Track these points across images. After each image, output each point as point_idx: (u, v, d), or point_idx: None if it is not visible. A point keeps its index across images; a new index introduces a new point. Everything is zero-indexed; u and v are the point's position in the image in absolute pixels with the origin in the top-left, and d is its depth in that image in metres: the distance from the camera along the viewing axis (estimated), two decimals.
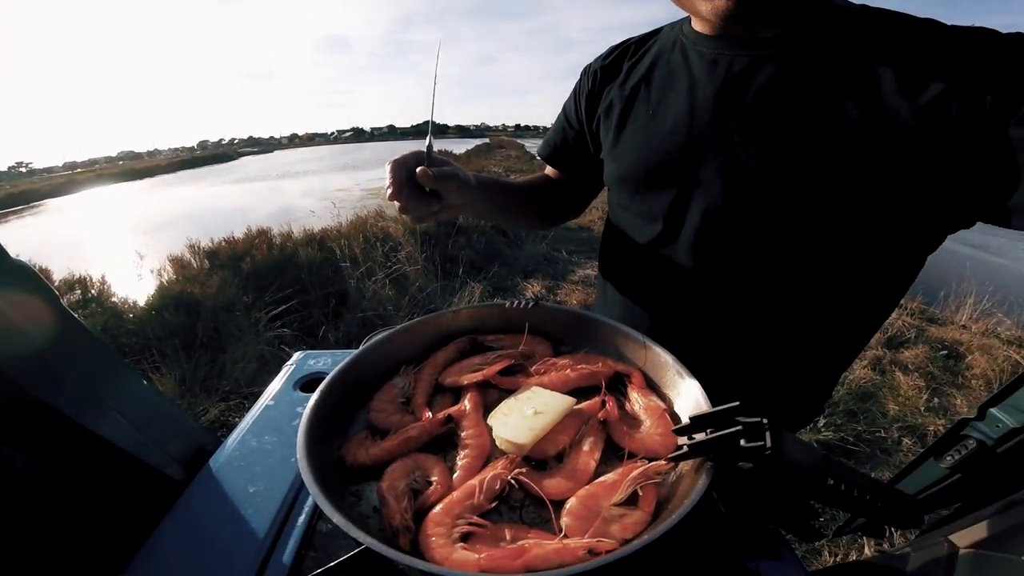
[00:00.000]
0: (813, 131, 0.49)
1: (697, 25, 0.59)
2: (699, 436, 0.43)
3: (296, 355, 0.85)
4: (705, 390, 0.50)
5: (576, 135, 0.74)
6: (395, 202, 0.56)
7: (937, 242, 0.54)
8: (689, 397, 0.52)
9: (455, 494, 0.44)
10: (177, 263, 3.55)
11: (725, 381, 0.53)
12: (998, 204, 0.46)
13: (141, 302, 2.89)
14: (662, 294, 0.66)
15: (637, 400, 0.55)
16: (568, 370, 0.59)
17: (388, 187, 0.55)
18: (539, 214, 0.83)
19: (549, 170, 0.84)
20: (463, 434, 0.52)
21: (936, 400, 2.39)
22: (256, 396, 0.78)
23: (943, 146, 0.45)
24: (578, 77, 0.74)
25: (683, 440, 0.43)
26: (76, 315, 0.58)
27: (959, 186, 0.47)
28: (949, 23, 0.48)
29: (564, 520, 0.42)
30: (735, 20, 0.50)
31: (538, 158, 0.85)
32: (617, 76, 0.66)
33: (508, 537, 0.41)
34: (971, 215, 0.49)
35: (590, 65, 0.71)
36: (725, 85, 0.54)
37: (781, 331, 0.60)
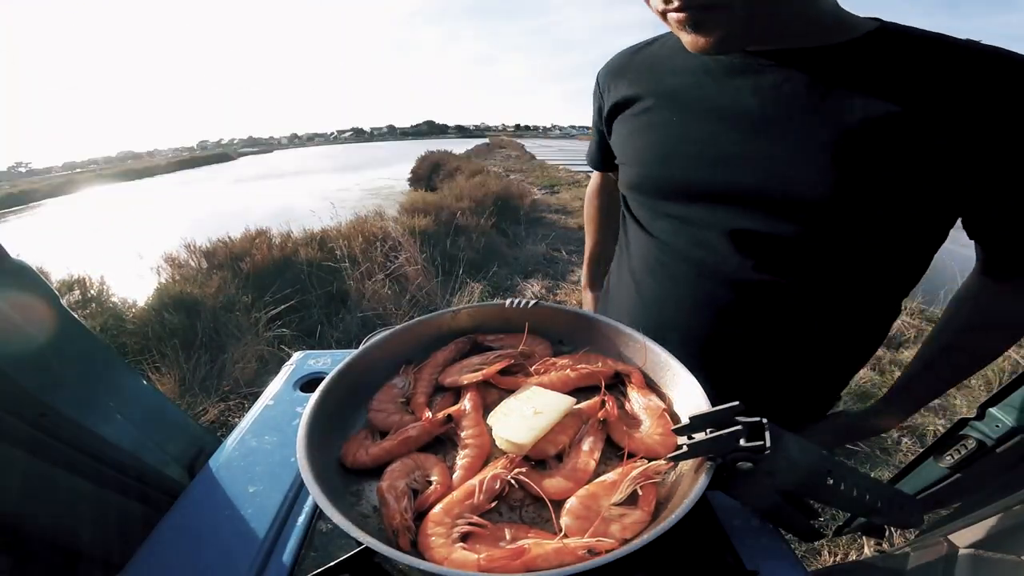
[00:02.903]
0: (846, 138, 0.51)
1: None
2: (699, 436, 0.43)
3: (296, 355, 0.85)
4: (721, 388, 0.50)
5: (606, 143, 0.76)
6: None
7: (932, 251, 0.57)
8: (689, 397, 0.52)
9: (455, 494, 0.44)
10: (176, 263, 3.55)
11: (740, 378, 0.55)
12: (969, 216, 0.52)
13: (140, 302, 2.89)
14: (682, 295, 0.64)
15: (637, 400, 0.56)
16: (568, 370, 0.59)
17: None
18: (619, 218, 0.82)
19: (598, 175, 0.92)
20: (463, 434, 0.52)
21: (936, 400, 2.40)
22: (256, 396, 0.78)
23: (929, 160, 0.49)
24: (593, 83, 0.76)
25: (683, 440, 0.43)
26: (76, 315, 0.58)
27: (941, 194, 0.50)
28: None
29: (564, 520, 0.42)
30: (721, 52, 0.52)
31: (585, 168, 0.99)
32: (633, 84, 0.66)
33: (508, 537, 0.41)
34: (952, 218, 0.53)
35: (600, 72, 0.73)
36: (755, 94, 0.54)
37: (796, 328, 0.60)
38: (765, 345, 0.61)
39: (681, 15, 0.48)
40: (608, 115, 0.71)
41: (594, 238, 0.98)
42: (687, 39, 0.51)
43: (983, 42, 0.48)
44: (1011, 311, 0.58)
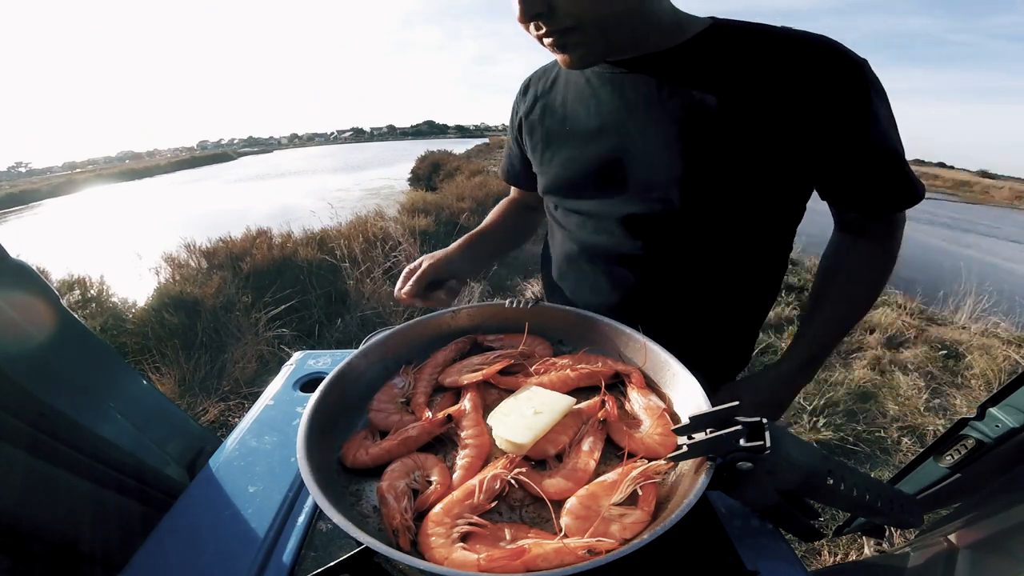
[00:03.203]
0: (690, 126, 0.60)
1: None
2: (698, 436, 0.43)
3: (296, 355, 0.85)
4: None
5: (523, 156, 0.83)
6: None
7: (798, 210, 0.66)
8: (688, 397, 0.52)
9: (455, 494, 0.44)
10: (175, 263, 3.56)
11: (663, 334, 0.62)
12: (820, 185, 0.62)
13: (140, 302, 2.89)
14: (593, 277, 0.74)
15: (637, 400, 0.56)
16: (568, 370, 0.59)
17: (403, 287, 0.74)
18: (523, 234, 0.97)
19: (514, 191, 0.94)
20: (463, 434, 0.52)
21: (936, 400, 2.40)
22: (256, 396, 0.78)
23: (768, 136, 0.58)
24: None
25: (683, 440, 0.44)
26: (76, 315, 0.58)
27: (789, 166, 0.59)
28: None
29: (564, 520, 0.42)
30: (586, 66, 0.63)
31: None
32: (535, 101, 0.77)
33: (508, 537, 0.41)
34: (808, 187, 0.63)
35: (516, 96, 0.83)
36: (621, 99, 0.65)
37: (689, 292, 0.70)
38: (665, 309, 0.70)
39: (549, 39, 0.58)
40: (518, 128, 0.81)
41: (485, 223, 0.90)
42: (558, 59, 0.61)
43: (800, 30, 0.59)
44: (866, 260, 0.67)
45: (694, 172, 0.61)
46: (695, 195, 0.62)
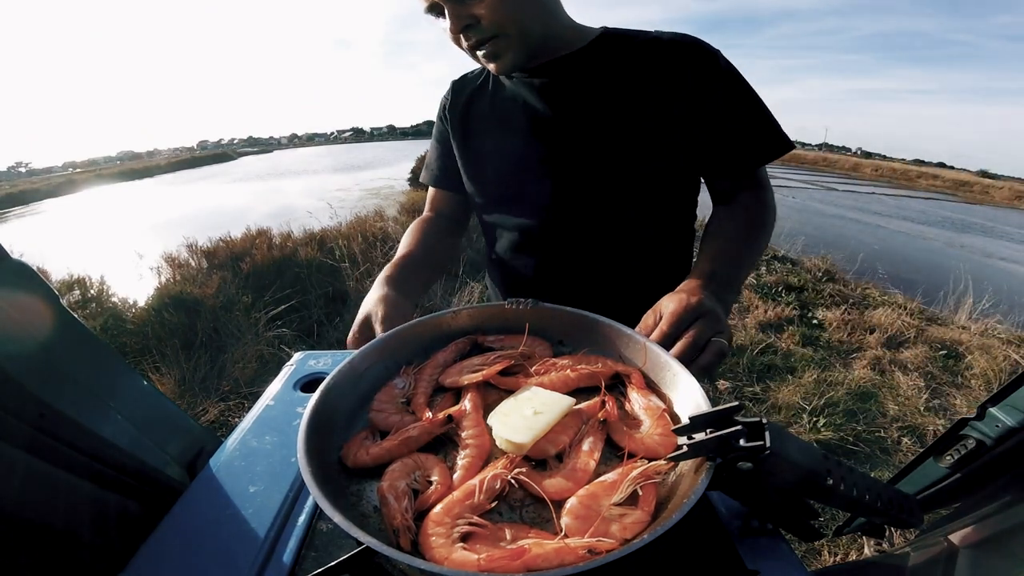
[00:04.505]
0: (601, 114, 0.72)
1: None
2: (698, 436, 0.43)
3: (296, 355, 0.85)
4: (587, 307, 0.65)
5: (453, 156, 0.88)
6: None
7: (695, 185, 0.80)
8: (688, 397, 0.52)
9: (455, 494, 0.44)
10: (175, 263, 3.56)
11: (600, 298, 0.70)
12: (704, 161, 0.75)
13: (141, 302, 2.89)
14: (533, 259, 0.83)
15: (637, 400, 0.56)
16: (568, 370, 0.59)
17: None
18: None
19: (434, 203, 0.95)
20: (463, 434, 0.52)
21: (936, 400, 2.40)
22: (256, 396, 0.78)
23: (662, 115, 0.70)
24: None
25: (683, 440, 0.44)
26: (76, 315, 0.58)
27: (682, 136, 0.71)
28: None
29: (564, 520, 0.42)
30: (513, 71, 0.74)
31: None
32: (468, 97, 0.84)
33: (508, 537, 0.41)
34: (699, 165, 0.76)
35: (444, 97, 0.89)
36: (540, 96, 0.75)
37: (623, 250, 0.79)
38: (597, 275, 0.79)
39: (479, 50, 0.68)
40: (452, 120, 0.86)
41: (408, 250, 0.84)
42: (488, 66, 0.71)
43: (685, 34, 0.73)
44: (743, 207, 0.76)
45: (608, 159, 0.72)
46: (614, 170, 0.73)
